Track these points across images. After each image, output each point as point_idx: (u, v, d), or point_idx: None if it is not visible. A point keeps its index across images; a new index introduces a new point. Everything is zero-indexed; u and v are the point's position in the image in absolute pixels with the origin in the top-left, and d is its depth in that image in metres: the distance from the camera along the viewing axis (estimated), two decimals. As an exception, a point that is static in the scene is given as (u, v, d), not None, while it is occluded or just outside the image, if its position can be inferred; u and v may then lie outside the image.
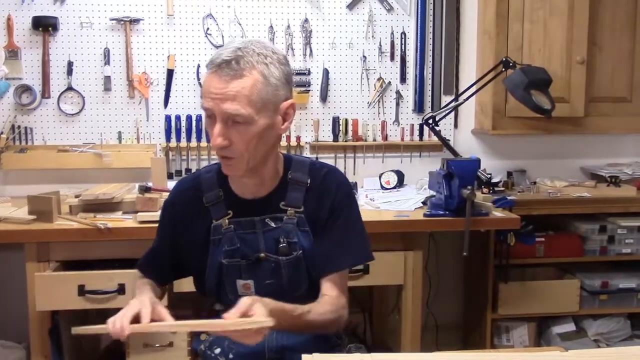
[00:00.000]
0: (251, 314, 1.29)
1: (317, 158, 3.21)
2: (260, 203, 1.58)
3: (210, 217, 1.59)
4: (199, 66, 3.10)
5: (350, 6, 3.20)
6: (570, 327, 3.13)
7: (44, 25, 2.97)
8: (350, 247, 1.62)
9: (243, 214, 1.58)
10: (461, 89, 3.19)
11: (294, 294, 1.58)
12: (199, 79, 3.10)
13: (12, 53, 2.98)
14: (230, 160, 1.48)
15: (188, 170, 3.12)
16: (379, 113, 3.28)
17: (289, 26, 3.16)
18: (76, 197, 2.60)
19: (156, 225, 1.72)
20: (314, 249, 1.59)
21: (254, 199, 1.59)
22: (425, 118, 2.94)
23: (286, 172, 1.61)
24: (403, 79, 3.28)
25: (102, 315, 3.12)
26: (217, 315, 1.56)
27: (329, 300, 1.56)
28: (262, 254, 1.58)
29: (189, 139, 3.12)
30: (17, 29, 2.98)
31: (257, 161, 1.50)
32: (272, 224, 1.58)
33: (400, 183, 3.17)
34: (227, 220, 1.58)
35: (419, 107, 3.29)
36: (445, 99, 3.29)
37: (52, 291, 2.33)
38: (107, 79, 3.06)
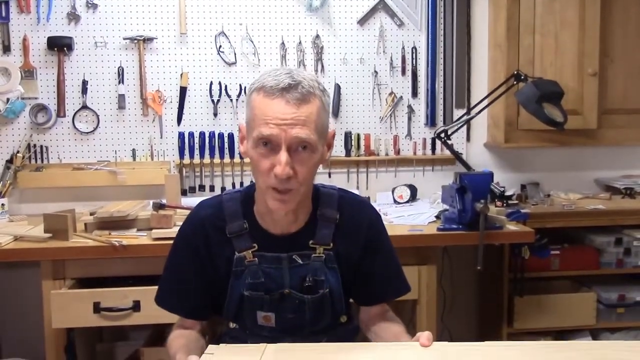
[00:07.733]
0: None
1: (329, 174, 3.23)
2: (288, 239, 1.53)
3: (233, 248, 1.53)
4: (211, 83, 3.13)
5: (361, 22, 3.22)
6: (587, 340, 3.10)
7: (59, 46, 3.01)
8: (393, 278, 1.65)
9: (269, 248, 1.52)
10: (473, 103, 3.19)
11: (314, 328, 1.57)
12: (211, 96, 3.13)
13: (28, 73, 3.02)
14: (287, 195, 1.40)
15: (201, 187, 3.14)
16: (391, 127, 3.29)
17: (300, 42, 3.18)
18: (91, 214, 2.62)
19: (170, 242, 1.64)
20: (347, 285, 1.59)
21: (282, 234, 1.53)
22: (437, 132, 2.93)
23: (315, 207, 1.56)
24: (415, 94, 3.29)
25: (117, 332, 3.11)
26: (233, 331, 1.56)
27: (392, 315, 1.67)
28: (287, 290, 1.53)
29: (202, 156, 3.14)
30: (33, 49, 3.03)
31: (306, 194, 1.48)
32: (299, 261, 1.53)
33: (414, 197, 3.16)
34: (251, 253, 1.52)
35: (431, 121, 3.29)
36: (457, 113, 3.29)
37: (67, 309, 2.34)
38: (121, 97, 3.09)
